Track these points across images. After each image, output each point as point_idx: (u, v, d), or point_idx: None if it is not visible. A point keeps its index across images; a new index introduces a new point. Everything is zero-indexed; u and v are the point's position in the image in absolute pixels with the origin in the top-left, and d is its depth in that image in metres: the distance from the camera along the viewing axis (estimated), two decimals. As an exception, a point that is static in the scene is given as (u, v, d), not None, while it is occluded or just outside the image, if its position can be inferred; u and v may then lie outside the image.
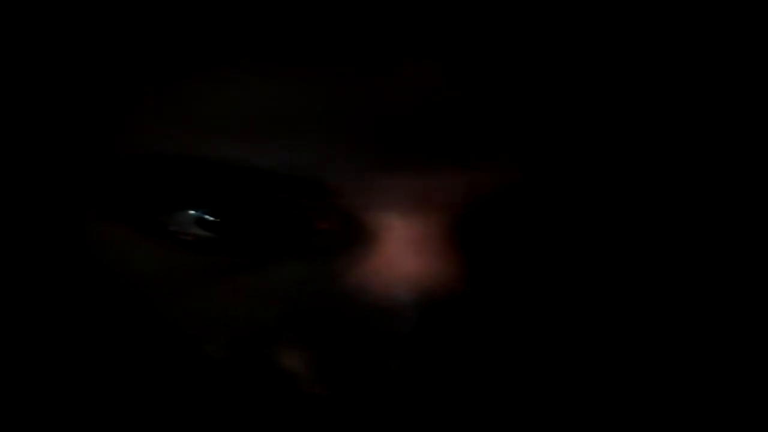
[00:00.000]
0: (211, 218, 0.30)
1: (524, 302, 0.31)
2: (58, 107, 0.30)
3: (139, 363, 0.35)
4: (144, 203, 0.31)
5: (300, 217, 0.30)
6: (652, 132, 0.29)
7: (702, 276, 0.34)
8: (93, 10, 0.29)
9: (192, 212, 0.30)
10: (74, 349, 0.35)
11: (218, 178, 0.29)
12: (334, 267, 0.30)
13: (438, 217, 0.29)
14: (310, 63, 0.28)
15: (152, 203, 0.31)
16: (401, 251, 0.29)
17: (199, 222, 0.30)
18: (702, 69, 0.29)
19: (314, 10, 0.27)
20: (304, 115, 0.28)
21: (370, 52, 0.27)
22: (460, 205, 0.29)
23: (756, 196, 0.33)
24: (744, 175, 0.32)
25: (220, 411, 0.35)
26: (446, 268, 0.29)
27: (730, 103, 0.30)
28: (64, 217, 0.33)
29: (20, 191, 0.33)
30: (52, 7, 0.29)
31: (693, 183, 0.31)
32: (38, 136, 0.31)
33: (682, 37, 0.29)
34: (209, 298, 0.32)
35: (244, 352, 0.32)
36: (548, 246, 0.31)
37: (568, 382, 0.33)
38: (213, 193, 0.30)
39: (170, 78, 0.28)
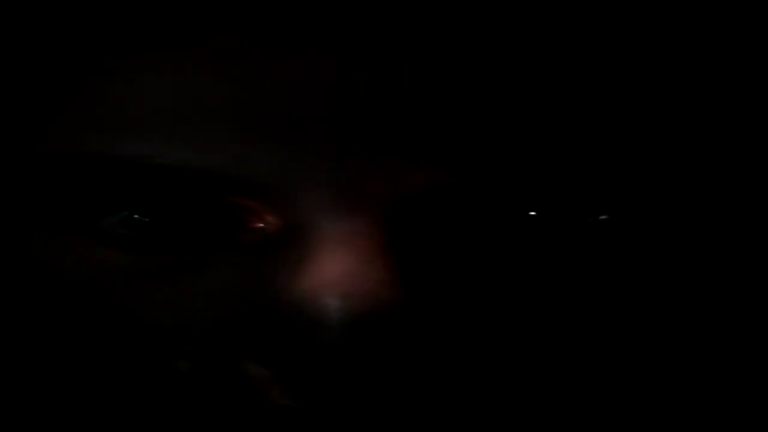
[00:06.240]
0: (140, 218, 0.30)
1: (453, 307, 0.30)
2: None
3: (91, 373, 0.33)
4: (72, 205, 0.30)
5: (232, 217, 0.30)
6: (577, 131, 0.29)
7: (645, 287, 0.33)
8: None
9: (119, 213, 0.30)
10: (25, 364, 0.34)
11: (135, 176, 0.29)
12: (268, 268, 0.30)
13: (364, 217, 0.28)
14: (219, 56, 0.27)
15: (79, 204, 0.30)
16: (327, 252, 0.29)
17: (128, 223, 0.30)
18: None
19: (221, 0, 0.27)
20: (214, 110, 0.27)
21: (282, 46, 0.27)
22: (386, 205, 0.28)
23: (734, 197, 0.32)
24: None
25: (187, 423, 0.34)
26: (373, 270, 0.29)
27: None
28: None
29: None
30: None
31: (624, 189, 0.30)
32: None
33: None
34: (149, 302, 0.31)
35: (194, 361, 0.32)
36: (479, 249, 0.30)
37: (499, 389, 0.32)
38: (134, 193, 0.29)
39: (77, 74, 0.28)
